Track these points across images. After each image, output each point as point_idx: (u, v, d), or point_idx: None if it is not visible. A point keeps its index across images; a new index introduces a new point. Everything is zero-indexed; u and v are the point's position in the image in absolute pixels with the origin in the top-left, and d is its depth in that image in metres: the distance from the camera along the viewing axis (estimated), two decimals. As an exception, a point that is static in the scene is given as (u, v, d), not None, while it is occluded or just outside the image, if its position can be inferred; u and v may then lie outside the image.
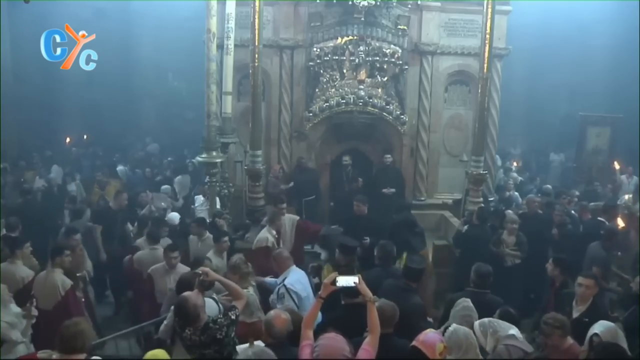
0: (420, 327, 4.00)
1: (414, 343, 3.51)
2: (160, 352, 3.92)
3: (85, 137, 16.02)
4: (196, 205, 8.79)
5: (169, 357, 3.76)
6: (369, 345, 3.49)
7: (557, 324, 3.92)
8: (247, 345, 3.63)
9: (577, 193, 9.43)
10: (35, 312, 4.77)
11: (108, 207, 8.22)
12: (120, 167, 12.39)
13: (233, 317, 3.89)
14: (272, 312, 3.78)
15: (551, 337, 3.91)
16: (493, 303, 4.60)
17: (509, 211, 7.87)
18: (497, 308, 4.32)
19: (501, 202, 9.53)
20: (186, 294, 3.89)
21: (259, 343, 3.66)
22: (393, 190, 8.83)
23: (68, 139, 15.27)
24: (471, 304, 4.22)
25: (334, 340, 3.33)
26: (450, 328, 3.71)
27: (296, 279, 5.09)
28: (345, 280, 3.71)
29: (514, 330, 3.90)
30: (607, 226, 7.03)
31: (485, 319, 4.02)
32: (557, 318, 3.98)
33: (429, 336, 3.50)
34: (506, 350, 3.78)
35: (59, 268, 5.53)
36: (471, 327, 3.89)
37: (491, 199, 9.42)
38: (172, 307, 4.26)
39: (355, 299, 4.12)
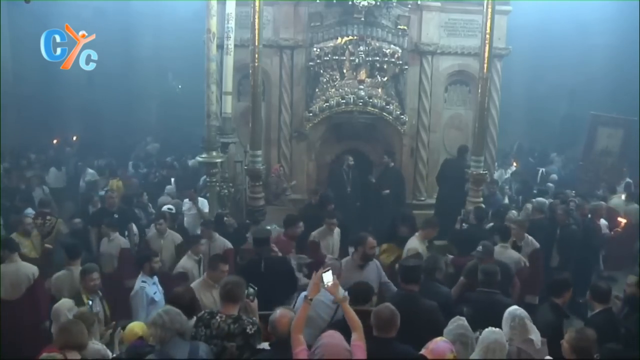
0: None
1: (422, 351, 3.45)
2: (137, 325, 3.99)
3: (74, 138, 15.83)
4: (184, 209, 8.53)
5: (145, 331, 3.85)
6: (358, 340, 3.44)
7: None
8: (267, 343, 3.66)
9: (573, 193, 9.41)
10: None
11: (103, 209, 8.23)
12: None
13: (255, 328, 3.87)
14: (277, 312, 3.70)
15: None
16: (501, 304, 4.45)
17: (512, 211, 7.88)
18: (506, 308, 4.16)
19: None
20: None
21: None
22: (387, 191, 8.79)
23: (55, 141, 15.14)
24: (466, 324, 3.89)
25: (335, 338, 3.31)
26: (482, 334, 3.65)
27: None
28: (327, 278, 3.68)
29: (534, 336, 3.80)
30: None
31: (519, 311, 3.92)
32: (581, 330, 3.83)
33: (439, 345, 3.43)
34: (517, 352, 3.71)
35: (78, 266, 5.59)
36: (466, 347, 3.73)
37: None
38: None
39: (362, 306, 4.07)
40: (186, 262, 6.09)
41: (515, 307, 4.05)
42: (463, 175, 8.29)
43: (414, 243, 6.19)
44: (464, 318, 3.96)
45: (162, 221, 7.03)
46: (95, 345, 4.00)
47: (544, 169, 12.69)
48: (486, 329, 3.67)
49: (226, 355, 3.72)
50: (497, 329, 3.70)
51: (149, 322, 3.61)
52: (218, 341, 3.73)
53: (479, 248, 5.73)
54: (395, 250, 6.52)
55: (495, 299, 4.64)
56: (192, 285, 5.03)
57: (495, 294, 4.73)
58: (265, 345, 3.95)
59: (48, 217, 7.53)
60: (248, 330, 3.73)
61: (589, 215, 7.88)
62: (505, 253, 6.11)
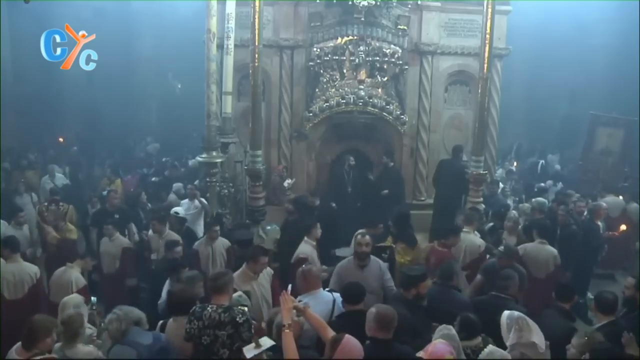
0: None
1: (421, 354, 3.44)
2: None
3: (61, 139, 15.61)
4: (184, 209, 8.14)
5: None
6: None
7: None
8: (253, 345, 3.66)
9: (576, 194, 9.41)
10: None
11: (104, 209, 8.23)
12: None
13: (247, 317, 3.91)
14: (279, 316, 3.75)
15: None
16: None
17: (513, 211, 7.88)
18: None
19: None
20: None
21: (264, 341, 3.67)
22: (386, 191, 8.79)
23: (61, 139, 15.15)
24: (454, 332, 3.71)
25: (352, 339, 3.33)
26: (486, 349, 3.63)
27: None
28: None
29: (537, 338, 3.75)
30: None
31: (517, 314, 3.88)
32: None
33: (438, 347, 3.41)
34: (520, 356, 3.70)
35: (76, 266, 5.77)
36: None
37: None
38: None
39: (354, 307, 4.10)
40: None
41: (510, 311, 3.98)
42: (460, 176, 8.29)
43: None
44: (450, 327, 3.78)
45: (155, 222, 7.00)
46: (86, 347, 4.02)
47: (543, 161, 12.98)
48: (485, 350, 3.65)
49: (218, 344, 3.77)
50: (498, 349, 3.66)
51: (105, 323, 3.92)
52: (210, 331, 3.80)
53: (501, 248, 5.72)
54: (409, 252, 6.37)
55: (507, 306, 4.40)
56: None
57: (509, 301, 4.62)
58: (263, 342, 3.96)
59: (61, 204, 8.28)
60: (238, 319, 3.79)
61: (587, 215, 7.88)
62: (542, 249, 6.28)
